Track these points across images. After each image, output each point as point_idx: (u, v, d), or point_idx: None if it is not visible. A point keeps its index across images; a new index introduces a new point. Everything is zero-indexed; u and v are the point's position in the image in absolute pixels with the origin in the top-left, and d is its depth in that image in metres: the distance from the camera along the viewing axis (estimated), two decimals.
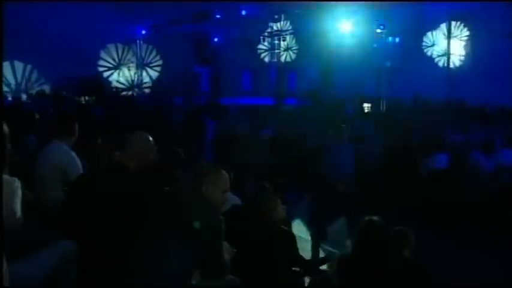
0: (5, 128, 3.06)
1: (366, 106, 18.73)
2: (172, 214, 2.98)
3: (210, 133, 12.25)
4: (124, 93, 22.59)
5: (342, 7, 19.33)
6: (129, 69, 22.81)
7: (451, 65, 19.81)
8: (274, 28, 23.46)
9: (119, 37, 22.65)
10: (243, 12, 22.31)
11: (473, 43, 19.07)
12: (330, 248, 5.69)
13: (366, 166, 8.12)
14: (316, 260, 5.27)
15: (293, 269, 4.25)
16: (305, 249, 5.11)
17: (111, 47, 22.45)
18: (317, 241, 6.25)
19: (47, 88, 19.64)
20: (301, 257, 4.47)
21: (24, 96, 18.87)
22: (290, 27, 23.36)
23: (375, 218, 3.77)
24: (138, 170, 3.46)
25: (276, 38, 23.72)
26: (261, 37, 24.15)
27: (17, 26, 14.89)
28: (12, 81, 19.54)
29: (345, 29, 20.14)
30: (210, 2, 21.26)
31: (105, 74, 22.33)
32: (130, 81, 23.00)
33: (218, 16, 22.49)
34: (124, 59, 22.85)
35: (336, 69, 22.13)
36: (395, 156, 8.67)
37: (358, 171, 7.23)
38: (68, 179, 4.36)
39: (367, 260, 3.62)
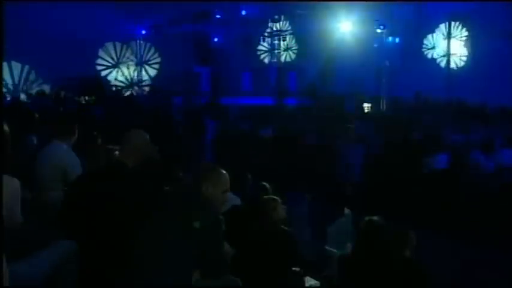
0: (5, 128, 3.06)
1: (366, 106, 18.74)
2: (172, 214, 2.98)
3: (210, 133, 12.26)
4: (123, 91, 22.56)
5: (342, 7, 19.33)
6: (128, 67, 22.78)
7: (453, 65, 19.78)
8: (274, 28, 23.46)
9: (119, 37, 22.65)
10: (243, 12, 22.31)
11: (473, 43, 19.06)
12: (330, 248, 5.68)
13: (366, 166, 8.12)
14: (316, 260, 5.27)
15: (293, 269, 4.25)
16: (305, 249, 5.10)
17: (109, 46, 22.42)
18: (317, 241, 6.25)
19: (46, 88, 19.60)
20: (301, 257, 4.47)
21: (23, 96, 18.84)
22: (289, 28, 23.35)
23: (375, 218, 3.77)
24: (136, 167, 3.47)
25: (276, 38, 23.72)
26: (261, 37, 24.15)
27: (17, 26, 14.87)
28: (9, 82, 19.51)
29: (345, 29, 20.13)
30: (210, 2, 21.25)
31: (104, 73, 22.29)
32: (129, 80, 22.97)
33: (218, 16, 22.49)
34: (122, 58, 22.82)
35: (336, 69, 22.13)
36: (395, 156, 8.66)
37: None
38: (68, 179, 4.37)
39: (367, 260, 3.62)
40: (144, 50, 23.20)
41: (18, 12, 14.34)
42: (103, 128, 9.00)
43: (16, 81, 19.67)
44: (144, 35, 22.96)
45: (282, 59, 24.41)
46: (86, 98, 18.33)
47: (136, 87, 22.99)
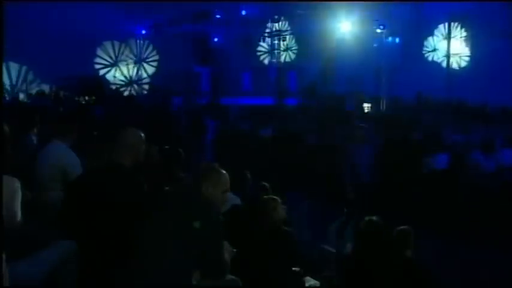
0: (6, 128, 3.06)
1: (366, 106, 18.75)
2: (172, 214, 2.98)
3: (210, 133, 12.27)
4: (123, 89, 22.52)
5: (342, 7, 19.32)
6: (127, 65, 22.74)
7: (456, 65, 19.76)
8: (274, 28, 23.47)
9: (119, 37, 22.62)
10: (243, 12, 22.31)
11: (473, 43, 19.06)
12: (330, 248, 5.68)
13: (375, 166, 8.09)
14: (316, 260, 5.27)
15: (293, 269, 4.25)
16: (305, 249, 5.11)
17: (108, 45, 22.37)
18: (317, 241, 6.25)
19: (45, 88, 19.56)
20: (301, 257, 4.47)
21: (22, 96, 18.81)
22: (289, 28, 23.35)
23: (375, 218, 3.77)
24: (136, 166, 3.46)
25: (275, 38, 23.72)
26: (261, 37, 24.15)
27: (14, 26, 14.86)
28: (7, 82, 19.45)
29: (345, 29, 20.13)
30: (210, 2, 21.25)
31: (103, 72, 22.25)
32: (128, 78, 22.93)
33: (218, 16, 22.49)
34: (121, 56, 22.77)
35: (335, 69, 22.13)
36: (395, 155, 8.66)
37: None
38: (68, 179, 4.36)
39: (367, 260, 3.62)
40: (142, 48, 23.15)
41: (15, 12, 14.33)
42: (103, 127, 9.01)
43: (14, 82, 19.62)
44: (144, 34, 22.95)
45: (282, 59, 24.40)
46: (86, 97, 18.31)
47: (136, 86, 22.95)
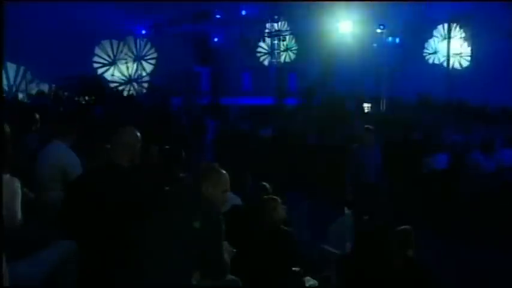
0: (6, 128, 3.06)
1: (366, 106, 18.76)
2: (172, 214, 2.97)
3: (210, 133, 12.27)
4: (122, 87, 22.50)
5: (341, 7, 19.32)
6: (126, 63, 22.71)
7: (458, 65, 19.74)
8: (273, 28, 23.47)
9: (119, 37, 22.61)
10: (243, 12, 22.31)
11: (473, 43, 19.05)
12: (330, 248, 5.68)
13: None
14: (316, 260, 5.27)
15: (293, 269, 4.25)
16: (305, 249, 5.10)
17: (106, 43, 22.34)
18: (317, 241, 6.24)
19: (43, 88, 19.53)
20: (301, 257, 4.47)
21: (22, 96, 18.78)
22: (288, 28, 23.36)
23: (375, 218, 3.77)
24: (129, 165, 3.45)
25: (275, 38, 23.73)
26: (261, 37, 24.16)
27: (15, 26, 14.83)
28: (4, 83, 19.39)
29: (344, 29, 20.13)
30: (210, 2, 21.25)
31: (101, 70, 22.21)
32: (127, 76, 22.90)
33: (218, 16, 22.49)
34: (120, 54, 22.72)
35: (335, 69, 22.14)
36: (396, 156, 8.67)
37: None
38: (68, 179, 4.36)
39: (367, 260, 3.62)
40: (140, 46, 23.11)
41: (12, 12, 14.30)
42: (103, 127, 9.00)
43: (11, 82, 19.57)
44: (144, 34, 22.94)
45: (282, 59, 24.42)
46: (86, 97, 18.29)
47: (135, 84, 22.93)
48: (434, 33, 20.42)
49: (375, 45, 20.57)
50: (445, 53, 20.01)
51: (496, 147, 8.68)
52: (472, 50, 19.21)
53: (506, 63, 16.56)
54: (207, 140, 11.98)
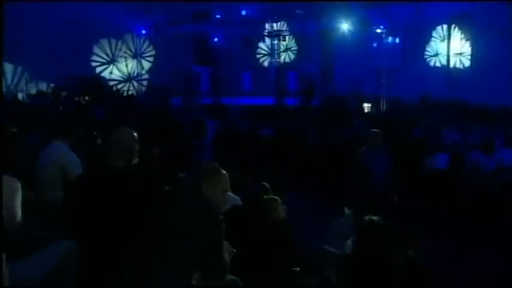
0: (6, 128, 3.06)
1: (366, 106, 18.76)
2: (172, 214, 2.97)
3: (210, 133, 12.26)
4: (121, 86, 22.47)
5: (342, 7, 19.33)
6: (126, 61, 22.67)
7: (460, 65, 19.73)
8: (273, 28, 23.47)
9: (117, 36, 22.58)
10: (243, 12, 22.30)
11: (473, 43, 19.05)
12: (330, 248, 5.68)
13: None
14: (316, 260, 5.27)
15: (293, 269, 4.25)
16: (305, 249, 5.11)
17: (104, 42, 22.30)
18: (317, 241, 6.24)
19: (42, 86, 19.50)
20: (301, 257, 4.47)
21: (21, 95, 18.77)
22: (287, 28, 23.36)
23: (375, 218, 3.77)
24: (126, 165, 3.45)
25: (275, 38, 23.72)
26: (261, 38, 24.17)
27: (16, 26, 14.82)
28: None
29: (344, 29, 20.14)
30: (210, 2, 21.24)
31: (99, 69, 22.17)
32: (126, 74, 22.86)
33: (218, 16, 22.48)
34: (119, 52, 22.68)
35: (335, 69, 22.15)
36: (396, 156, 8.66)
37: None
38: (68, 179, 4.36)
39: (367, 260, 3.61)
40: (138, 44, 23.07)
41: (17, 11, 14.31)
42: (103, 127, 9.00)
43: (9, 83, 19.51)
44: (144, 34, 22.94)
45: (282, 59, 24.42)
46: (86, 98, 18.29)
47: (135, 83, 22.91)
48: (434, 34, 20.41)
49: (375, 45, 20.57)
50: (445, 53, 20.00)
51: (496, 147, 8.68)
52: (472, 49, 19.20)
53: (506, 63, 16.56)
54: (207, 140, 11.97)
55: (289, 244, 4.24)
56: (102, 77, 21.91)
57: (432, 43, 20.46)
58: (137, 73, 22.97)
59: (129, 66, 22.84)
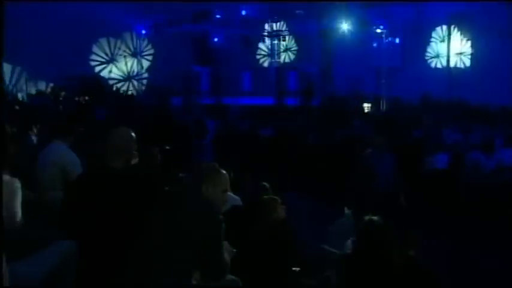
0: (7, 128, 3.06)
1: (366, 106, 18.76)
2: (172, 214, 2.97)
3: (210, 133, 12.26)
4: (120, 84, 22.45)
5: (341, 7, 19.33)
6: (125, 57, 22.64)
7: (461, 65, 19.72)
8: (272, 28, 23.47)
9: (116, 35, 22.57)
10: (243, 12, 22.30)
11: (473, 43, 19.06)
12: (330, 248, 5.68)
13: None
14: (316, 260, 5.26)
15: (293, 269, 4.25)
16: (305, 249, 5.11)
17: (103, 41, 22.28)
18: (317, 241, 6.24)
19: (41, 86, 19.48)
20: (301, 257, 4.47)
21: (21, 95, 18.76)
22: (287, 28, 23.36)
23: (375, 217, 3.76)
24: (124, 166, 3.44)
25: (275, 38, 23.72)
26: (261, 38, 24.17)
27: (16, 25, 14.81)
28: None
29: (344, 29, 20.14)
30: (210, 2, 21.24)
31: (98, 68, 22.15)
32: (125, 73, 22.84)
33: (218, 16, 22.47)
34: (118, 51, 22.64)
35: (335, 69, 22.15)
36: (395, 155, 8.66)
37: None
38: (68, 179, 4.36)
39: (367, 260, 3.61)
40: (137, 42, 23.05)
41: (17, 11, 14.30)
42: (103, 127, 9.00)
43: (7, 83, 19.47)
44: (144, 34, 22.94)
45: (282, 59, 24.42)
46: (86, 98, 18.28)
47: (135, 82, 22.89)
48: (434, 34, 20.41)
49: (374, 45, 20.57)
50: (446, 54, 19.99)
51: (496, 146, 8.68)
52: (472, 49, 19.20)
53: (506, 63, 16.55)
54: (207, 140, 11.97)
55: (289, 244, 4.24)
56: (102, 76, 21.89)
57: (432, 44, 20.46)
58: (137, 72, 22.95)
59: (129, 65, 22.81)
